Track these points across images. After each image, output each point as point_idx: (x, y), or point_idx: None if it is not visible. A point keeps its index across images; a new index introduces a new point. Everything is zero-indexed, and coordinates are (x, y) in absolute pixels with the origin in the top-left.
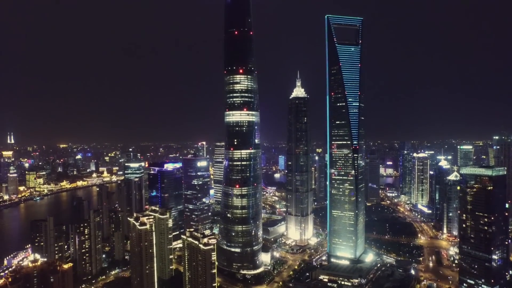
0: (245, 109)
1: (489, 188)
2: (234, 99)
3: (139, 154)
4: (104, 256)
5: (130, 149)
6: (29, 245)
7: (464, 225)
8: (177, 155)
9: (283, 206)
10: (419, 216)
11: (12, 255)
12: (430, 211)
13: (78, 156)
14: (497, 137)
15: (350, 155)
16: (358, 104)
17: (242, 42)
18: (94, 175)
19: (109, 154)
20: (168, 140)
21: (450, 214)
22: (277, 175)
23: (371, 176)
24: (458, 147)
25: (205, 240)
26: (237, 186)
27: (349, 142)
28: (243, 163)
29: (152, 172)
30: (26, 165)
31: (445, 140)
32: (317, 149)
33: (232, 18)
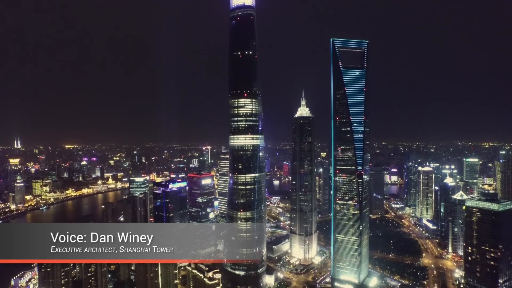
0: (249, 133)
1: (496, 223)
2: (239, 123)
3: (143, 158)
4: (109, 276)
5: (135, 152)
6: (36, 263)
7: (469, 258)
8: (182, 159)
9: (287, 219)
10: (423, 232)
11: (18, 275)
12: (435, 227)
13: (84, 162)
14: (503, 152)
15: (354, 180)
16: (363, 129)
17: (246, 65)
18: (99, 182)
19: (114, 158)
20: (173, 141)
21: (456, 229)
22: (276, 182)
23: (376, 186)
24: (464, 159)
25: (210, 274)
26: (242, 210)
27: (353, 168)
28: (247, 187)
29: (157, 192)
30: (33, 170)
31: (451, 141)
32: (321, 153)
33: (237, 41)
